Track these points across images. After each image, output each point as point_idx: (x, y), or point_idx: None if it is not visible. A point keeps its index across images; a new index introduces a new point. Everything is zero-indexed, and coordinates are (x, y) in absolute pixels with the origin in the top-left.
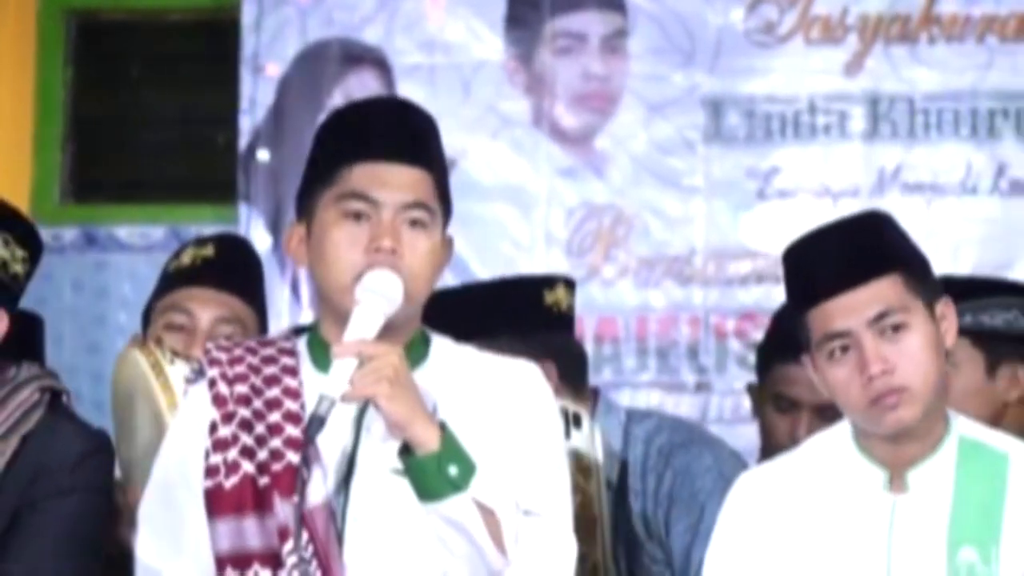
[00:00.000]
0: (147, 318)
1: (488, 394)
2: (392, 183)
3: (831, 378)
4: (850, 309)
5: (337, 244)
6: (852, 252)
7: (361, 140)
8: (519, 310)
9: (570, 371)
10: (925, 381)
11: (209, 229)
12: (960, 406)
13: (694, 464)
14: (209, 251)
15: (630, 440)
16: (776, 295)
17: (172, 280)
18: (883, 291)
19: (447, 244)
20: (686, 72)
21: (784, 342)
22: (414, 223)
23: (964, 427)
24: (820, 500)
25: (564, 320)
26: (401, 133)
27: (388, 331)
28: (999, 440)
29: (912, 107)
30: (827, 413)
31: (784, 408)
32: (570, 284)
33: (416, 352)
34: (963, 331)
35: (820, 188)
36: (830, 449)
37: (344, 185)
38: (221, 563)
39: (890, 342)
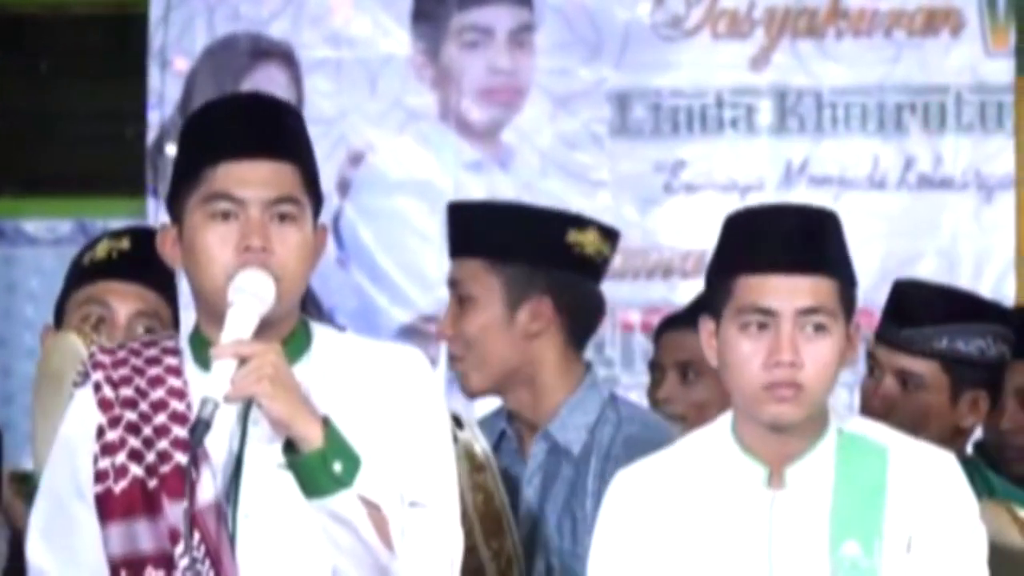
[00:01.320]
0: (60, 311)
1: (372, 383)
2: (256, 180)
3: (734, 348)
4: (787, 292)
5: (207, 246)
6: (807, 239)
7: (221, 139)
8: (535, 239)
9: (574, 315)
10: (822, 389)
11: (117, 223)
12: (917, 426)
13: None
14: (125, 244)
15: (602, 420)
16: (683, 289)
17: (88, 273)
18: (820, 289)
19: (321, 233)
20: (593, 66)
21: None
22: (283, 218)
23: (842, 422)
24: (700, 497)
25: (583, 262)
26: (261, 128)
27: (266, 327)
28: (878, 433)
29: (819, 101)
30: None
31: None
32: (609, 233)
33: (297, 344)
34: (936, 354)
35: (727, 182)
36: (709, 445)
37: (209, 186)
38: (115, 567)
39: (807, 339)
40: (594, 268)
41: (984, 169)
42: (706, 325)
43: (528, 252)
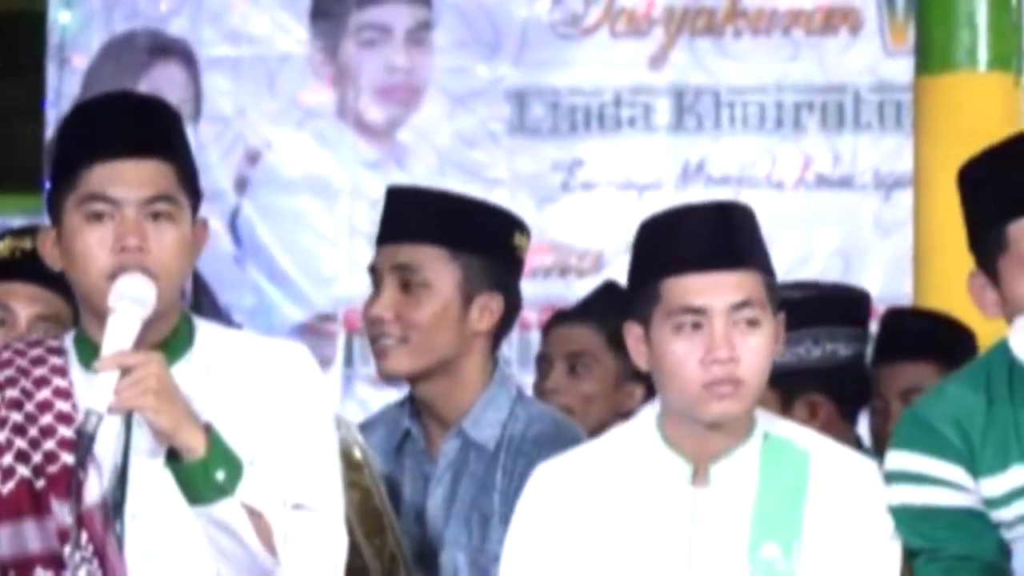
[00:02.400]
0: None
1: (256, 381)
2: (130, 179)
3: (669, 351)
4: (715, 289)
5: (85, 247)
6: (729, 235)
7: (95, 139)
8: (493, 235)
9: (510, 315)
10: (759, 381)
11: (15, 221)
12: None
13: None
14: (28, 243)
15: (512, 417)
16: (580, 287)
17: None
18: (748, 283)
19: (200, 230)
20: (490, 64)
21: None
22: (158, 216)
23: (768, 423)
24: (622, 492)
25: (519, 265)
26: (133, 127)
27: (146, 325)
28: (802, 437)
29: (717, 100)
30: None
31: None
32: (528, 236)
33: (180, 342)
34: None
35: (624, 181)
36: (633, 440)
37: (84, 187)
38: (3, 568)
39: (741, 334)
40: (521, 272)
41: (883, 168)
42: (632, 331)
43: (486, 247)
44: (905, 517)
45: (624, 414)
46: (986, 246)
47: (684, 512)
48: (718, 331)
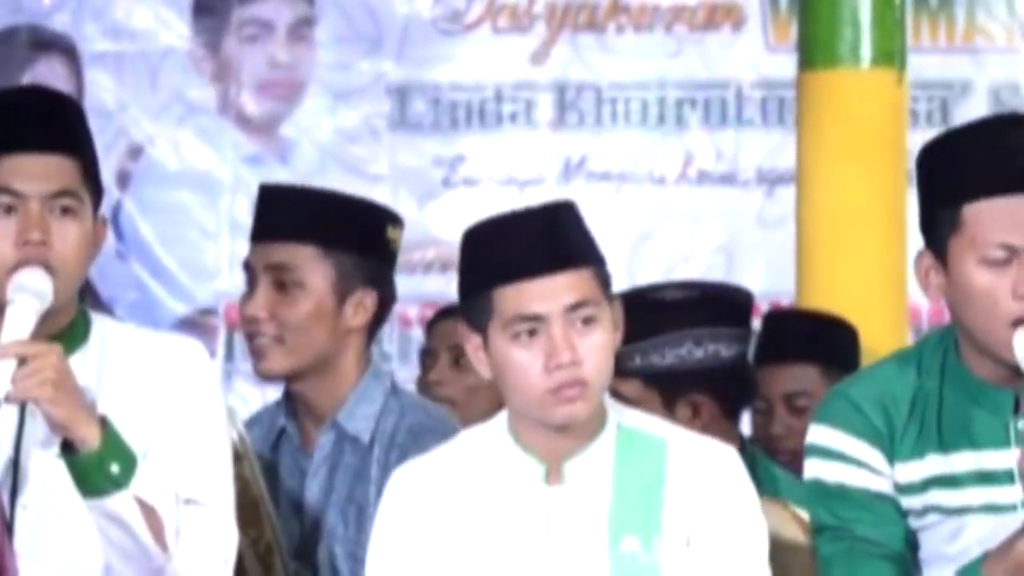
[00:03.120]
0: None
1: (151, 375)
2: (36, 174)
3: (510, 360)
4: (548, 294)
5: None
6: (553, 237)
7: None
8: (364, 231)
9: (384, 309)
10: (603, 379)
11: None
12: None
13: None
14: None
15: (386, 410)
16: None
17: None
18: (580, 282)
19: (100, 227)
20: (372, 60)
21: None
22: (63, 211)
23: (620, 415)
24: (478, 494)
25: (393, 258)
26: (41, 122)
27: (44, 318)
28: (656, 427)
29: (599, 96)
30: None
31: None
32: (402, 228)
33: (76, 335)
34: (634, 372)
35: (506, 177)
36: (486, 441)
37: None
38: None
39: (579, 334)
40: (395, 264)
41: (765, 165)
42: (471, 340)
43: (358, 244)
44: (817, 492)
45: None
46: (938, 227)
47: (540, 512)
48: (557, 336)
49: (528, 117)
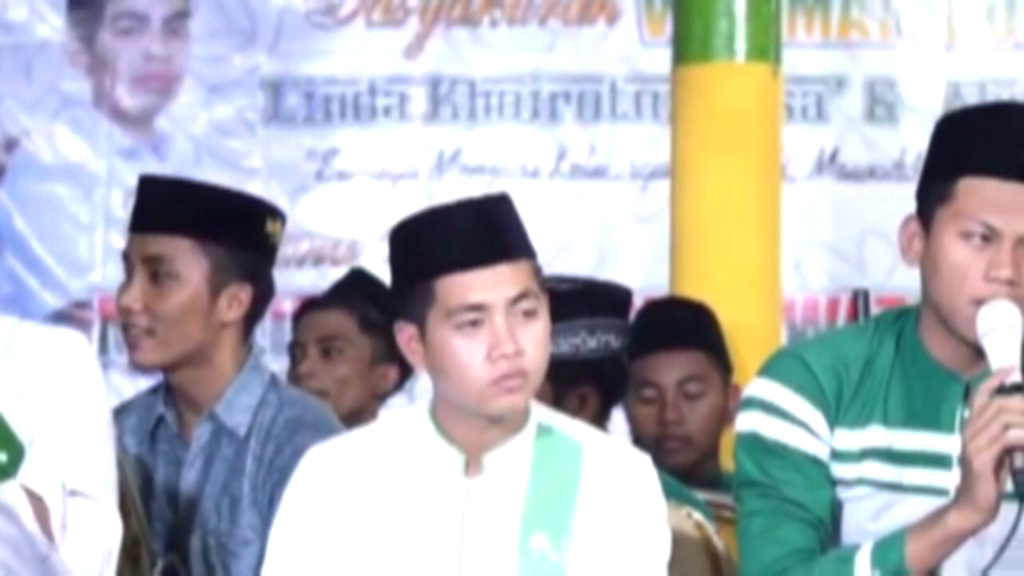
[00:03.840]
0: None
1: (33, 368)
2: None
3: (452, 350)
4: (492, 284)
5: None
6: (497, 228)
7: None
8: (241, 225)
9: (260, 303)
10: (542, 371)
11: None
12: None
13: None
14: None
15: (264, 402)
16: (333, 276)
17: None
18: (521, 273)
19: None
20: (246, 54)
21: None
22: None
23: (541, 414)
24: (394, 480)
25: (272, 252)
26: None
27: None
28: (574, 429)
29: (473, 90)
30: None
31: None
32: (283, 222)
33: None
34: None
35: (379, 170)
36: (407, 428)
37: None
38: None
39: (521, 326)
40: (274, 258)
41: (639, 159)
42: (404, 331)
43: (235, 237)
44: (751, 445)
45: (380, 395)
46: (931, 196)
47: (456, 502)
48: (500, 326)
49: (402, 111)
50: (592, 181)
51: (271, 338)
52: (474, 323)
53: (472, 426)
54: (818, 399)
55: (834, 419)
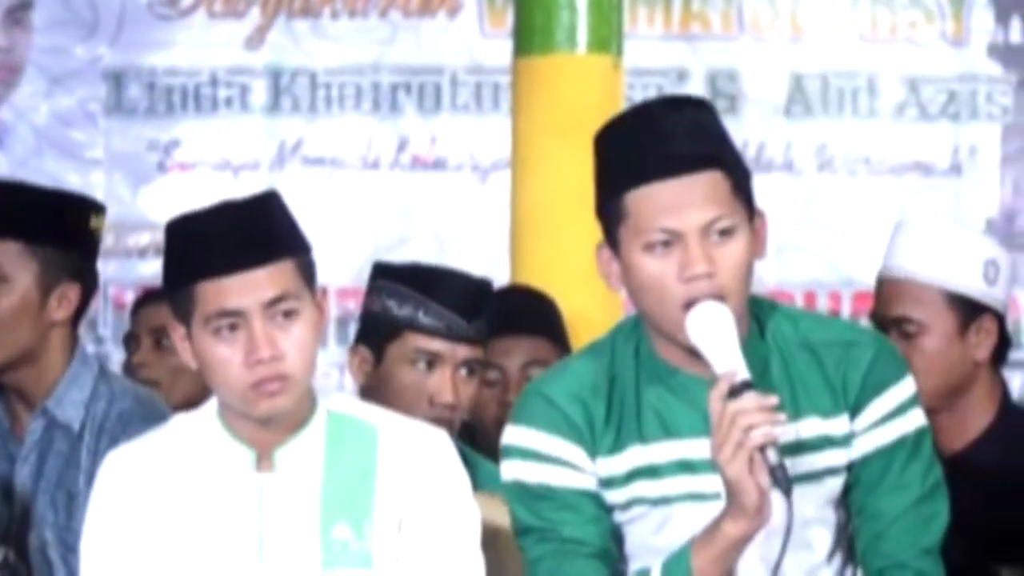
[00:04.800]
0: None
1: None
2: None
3: (213, 354)
4: (247, 289)
5: None
6: (252, 232)
7: None
8: (67, 224)
9: (87, 298)
10: (307, 371)
11: None
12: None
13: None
14: None
15: (96, 396)
16: None
17: None
18: (280, 275)
19: None
20: (88, 45)
21: None
22: None
23: (332, 403)
24: (189, 481)
25: (97, 246)
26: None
27: None
28: (368, 413)
29: (314, 81)
30: None
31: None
32: (104, 215)
33: None
34: None
35: (221, 161)
36: (197, 428)
37: None
38: None
39: (281, 328)
40: (98, 252)
41: (479, 150)
42: (177, 330)
43: (62, 237)
44: (519, 494)
45: None
46: (608, 218)
47: (251, 499)
48: (256, 331)
49: (243, 102)
50: (432, 172)
51: (112, 328)
52: (231, 328)
53: (254, 425)
54: (572, 434)
55: (592, 448)
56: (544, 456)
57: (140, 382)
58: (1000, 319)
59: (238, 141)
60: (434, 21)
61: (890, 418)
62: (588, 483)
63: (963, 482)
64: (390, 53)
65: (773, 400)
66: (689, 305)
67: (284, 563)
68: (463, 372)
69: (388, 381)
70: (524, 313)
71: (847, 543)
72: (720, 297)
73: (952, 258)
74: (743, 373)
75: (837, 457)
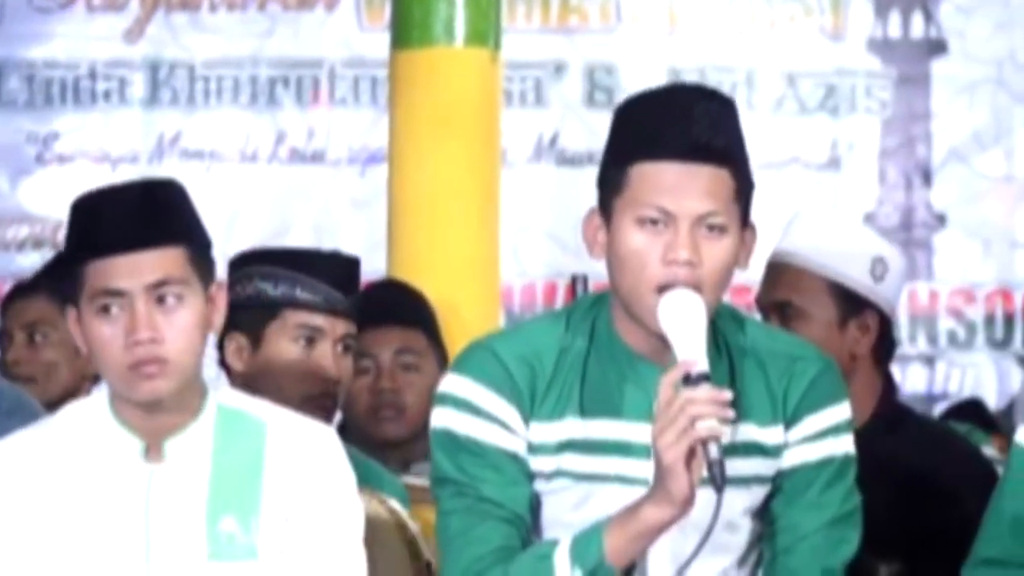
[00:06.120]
0: None
1: None
2: None
3: (95, 334)
4: (132, 270)
5: None
6: (145, 214)
7: None
8: None
9: None
10: (187, 356)
11: None
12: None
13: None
14: None
15: None
16: None
17: None
18: (167, 260)
19: None
20: None
21: None
22: None
23: (223, 396)
24: (76, 471)
25: None
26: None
27: None
28: (257, 408)
29: (192, 74)
30: None
31: None
32: None
33: None
34: None
35: (100, 154)
36: (87, 416)
37: None
38: None
39: (164, 313)
40: None
41: (357, 143)
42: (70, 313)
43: None
44: (445, 443)
45: (96, 377)
46: (608, 186)
47: (140, 489)
48: (139, 312)
49: (122, 95)
50: (310, 166)
51: None
52: (113, 308)
53: (143, 412)
54: (511, 393)
55: (529, 413)
56: (478, 410)
57: (15, 380)
58: (885, 318)
59: (117, 134)
60: (312, 14)
61: (821, 436)
62: (517, 446)
63: None
64: (268, 46)
65: (727, 395)
66: (664, 288)
67: (170, 554)
68: (340, 349)
69: (269, 363)
70: (397, 305)
71: (759, 552)
72: (697, 288)
73: (840, 250)
74: (703, 365)
75: (767, 467)
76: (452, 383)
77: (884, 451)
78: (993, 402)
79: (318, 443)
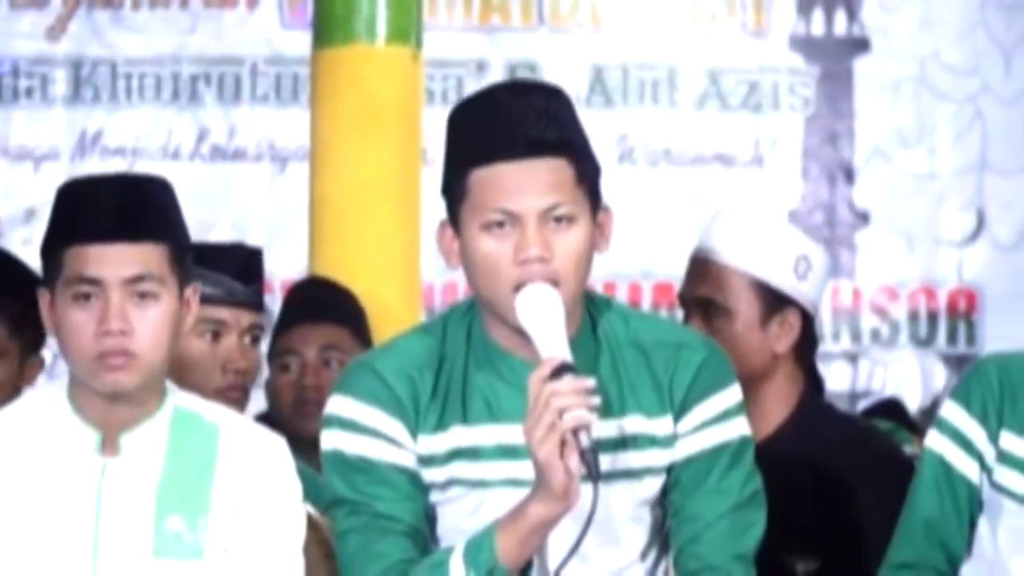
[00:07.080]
0: None
1: None
2: None
3: (67, 320)
4: (109, 261)
5: None
6: (132, 208)
7: None
8: None
9: None
10: (154, 353)
11: None
12: None
13: None
14: None
15: None
16: None
17: None
18: (146, 255)
19: None
20: None
21: None
22: None
23: (180, 398)
24: (30, 460)
25: None
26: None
27: None
28: (211, 411)
29: (114, 72)
30: None
31: None
32: None
33: None
34: None
35: (22, 151)
36: (43, 407)
37: None
38: None
39: (136, 307)
40: None
41: (278, 141)
42: (43, 296)
43: None
44: (336, 464)
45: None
46: (452, 196)
47: (92, 481)
48: (111, 304)
49: (44, 92)
50: (232, 163)
51: None
52: (88, 296)
53: (103, 404)
54: (395, 409)
55: (415, 426)
56: (364, 428)
57: None
58: (807, 316)
59: (39, 131)
60: (234, 12)
61: (714, 423)
62: (406, 460)
63: (761, 474)
64: (190, 44)
65: (589, 383)
66: (520, 287)
67: (117, 547)
68: (248, 340)
69: (178, 359)
70: (322, 302)
71: (662, 543)
72: (553, 282)
73: (763, 247)
74: (566, 356)
75: (658, 457)
76: (337, 404)
77: (804, 448)
78: (916, 400)
79: (269, 451)
